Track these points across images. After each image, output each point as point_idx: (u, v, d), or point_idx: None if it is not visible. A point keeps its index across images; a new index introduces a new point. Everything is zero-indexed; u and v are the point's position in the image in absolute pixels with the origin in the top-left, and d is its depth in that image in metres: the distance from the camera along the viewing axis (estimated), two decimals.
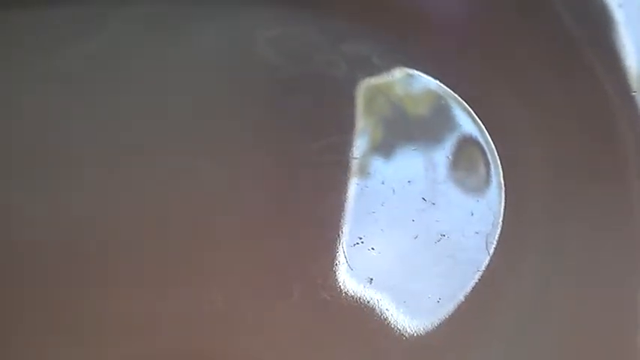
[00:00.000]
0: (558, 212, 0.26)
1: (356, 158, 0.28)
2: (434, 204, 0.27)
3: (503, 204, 0.27)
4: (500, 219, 0.26)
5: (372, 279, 0.25)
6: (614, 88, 0.28)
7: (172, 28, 0.31)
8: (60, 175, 0.27)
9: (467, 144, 0.28)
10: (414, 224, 0.26)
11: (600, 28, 0.29)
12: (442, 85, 0.29)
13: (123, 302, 0.25)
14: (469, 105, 0.29)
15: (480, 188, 0.27)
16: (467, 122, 0.29)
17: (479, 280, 0.25)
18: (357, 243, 0.26)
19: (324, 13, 0.31)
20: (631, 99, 0.27)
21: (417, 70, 0.30)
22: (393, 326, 0.25)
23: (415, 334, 0.25)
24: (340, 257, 0.26)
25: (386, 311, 0.25)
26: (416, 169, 0.28)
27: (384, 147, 0.28)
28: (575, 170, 0.27)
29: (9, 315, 0.25)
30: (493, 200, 0.27)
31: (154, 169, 0.27)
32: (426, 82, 0.30)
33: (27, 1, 0.30)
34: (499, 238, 0.26)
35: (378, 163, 0.28)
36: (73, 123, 0.28)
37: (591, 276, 0.25)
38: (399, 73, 0.30)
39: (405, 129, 0.29)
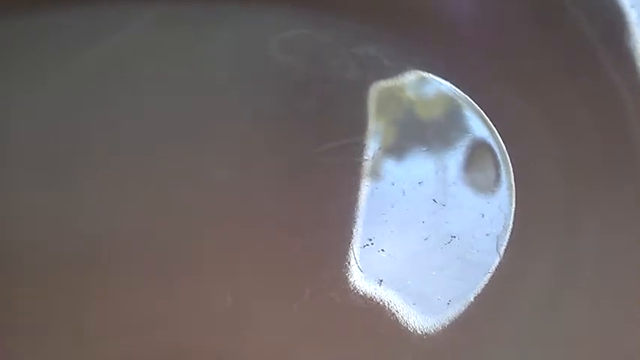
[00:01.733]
0: (569, 213, 0.26)
1: (367, 160, 0.28)
2: (444, 205, 0.27)
3: (514, 205, 0.27)
4: (511, 220, 0.26)
5: (382, 280, 0.25)
6: (627, 88, 0.28)
7: (185, 29, 0.31)
8: (64, 176, 0.27)
9: (478, 145, 0.28)
10: (424, 226, 0.26)
11: (613, 29, 0.29)
12: (453, 87, 0.29)
13: (130, 301, 0.25)
14: (480, 106, 0.29)
15: (490, 190, 0.27)
16: (478, 124, 0.29)
17: (489, 281, 0.25)
18: (367, 244, 0.26)
19: (337, 16, 0.31)
20: None
21: (428, 72, 0.30)
22: (403, 327, 0.25)
23: (425, 336, 0.25)
24: (350, 259, 0.26)
25: (396, 313, 0.25)
26: (426, 170, 0.28)
27: (395, 149, 0.28)
28: (587, 171, 0.27)
29: (9, 315, 0.25)
30: (504, 202, 0.27)
31: (164, 168, 0.28)
32: (438, 84, 0.30)
33: (39, 3, 0.31)
34: (510, 239, 0.26)
35: (388, 165, 0.28)
36: (82, 123, 0.29)
37: (603, 277, 0.25)
38: (410, 76, 0.30)
39: (416, 131, 0.29)
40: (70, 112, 0.29)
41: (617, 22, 0.29)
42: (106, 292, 0.25)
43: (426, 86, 0.30)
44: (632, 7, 0.29)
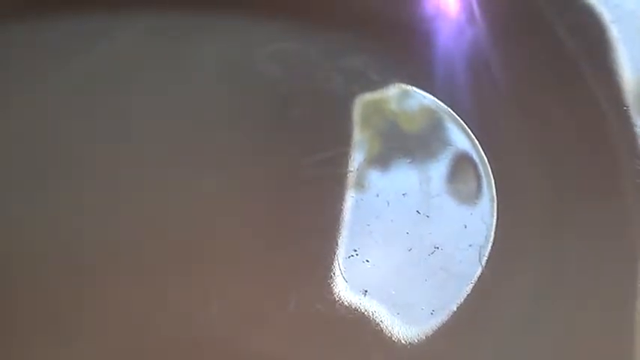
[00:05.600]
0: (551, 224, 0.27)
1: (352, 171, 0.28)
2: (428, 217, 0.27)
3: (496, 217, 0.27)
4: (493, 232, 0.27)
5: (366, 291, 0.25)
6: (608, 101, 0.28)
7: (174, 41, 0.32)
8: (61, 183, 0.28)
9: (461, 157, 0.29)
10: (408, 237, 0.27)
11: (595, 44, 0.29)
12: (437, 100, 0.30)
13: (120, 308, 0.25)
14: (463, 119, 0.29)
15: (473, 201, 0.28)
16: (460, 136, 0.29)
17: (472, 291, 0.26)
18: (352, 255, 0.26)
19: (323, 29, 0.32)
20: (625, 113, 0.27)
21: (412, 85, 0.30)
22: (387, 338, 0.25)
23: (409, 346, 0.25)
24: (335, 269, 0.26)
25: (380, 323, 0.25)
26: (410, 182, 0.28)
27: (380, 160, 0.29)
28: (569, 183, 0.27)
29: (10, 316, 0.25)
30: (486, 213, 0.27)
31: (153, 180, 0.28)
32: (421, 97, 0.30)
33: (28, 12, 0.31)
34: (492, 250, 0.26)
35: (373, 177, 0.28)
36: (74, 133, 0.29)
37: (585, 288, 0.25)
38: (395, 89, 0.30)
39: (401, 143, 0.29)
40: (59, 118, 0.29)
41: (599, 36, 0.29)
42: (104, 292, 0.25)
43: (410, 99, 0.30)
44: (612, 22, 0.29)
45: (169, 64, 0.31)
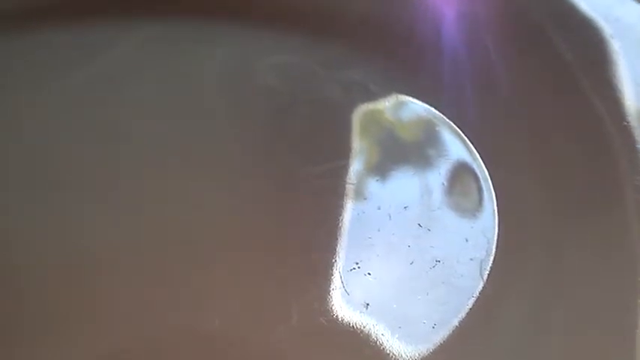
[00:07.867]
0: (553, 238, 0.27)
1: (353, 184, 0.28)
2: (429, 230, 0.27)
3: (497, 230, 0.27)
4: (494, 246, 0.27)
5: (368, 304, 0.25)
6: (609, 116, 0.28)
7: (174, 52, 0.32)
8: (61, 187, 0.28)
9: (461, 170, 0.29)
10: (409, 250, 0.27)
11: (595, 58, 0.29)
12: (436, 111, 0.30)
13: (120, 310, 0.25)
14: (463, 132, 0.29)
15: (474, 215, 0.28)
16: (461, 149, 0.29)
17: (473, 306, 0.26)
18: (354, 268, 0.26)
19: (322, 41, 0.32)
20: (626, 128, 0.28)
21: (412, 96, 0.30)
22: (388, 352, 0.25)
23: (410, 359, 0.25)
24: (337, 282, 0.26)
25: (381, 336, 0.25)
26: (412, 194, 0.28)
27: (380, 173, 0.29)
28: (569, 197, 0.27)
29: (11, 316, 0.25)
30: (487, 227, 0.27)
31: (152, 191, 0.28)
32: (421, 108, 0.30)
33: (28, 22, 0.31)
34: (493, 264, 0.26)
35: (374, 189, 0.28)
36: (75, 141, 0.29)
37: (587, 302, 0.25)
38: (394, 100, 0.30)
39: (401, 155, 0.29)
40: (60, 127, 0.29)
41: (599, 51, 0.29)
42: (103, 293, 0.25)
43: (410, 110, 0.30)
44: (612, 36, 0.29)
45: (169, 75, 0.31)
